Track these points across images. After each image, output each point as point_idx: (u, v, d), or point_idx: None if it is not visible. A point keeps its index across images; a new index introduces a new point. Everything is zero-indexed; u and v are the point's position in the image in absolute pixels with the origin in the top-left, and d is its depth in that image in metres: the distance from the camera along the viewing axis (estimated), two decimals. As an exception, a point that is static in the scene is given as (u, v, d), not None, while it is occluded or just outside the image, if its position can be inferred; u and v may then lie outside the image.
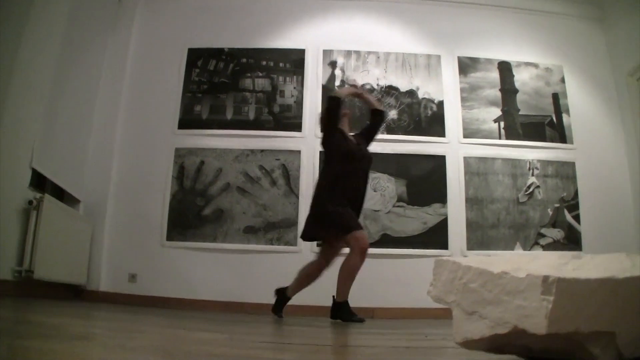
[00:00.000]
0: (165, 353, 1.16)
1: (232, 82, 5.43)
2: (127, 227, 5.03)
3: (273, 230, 4.95)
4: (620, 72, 5.63)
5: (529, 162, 5.30)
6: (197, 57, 5.48)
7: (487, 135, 5.36)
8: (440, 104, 5.43)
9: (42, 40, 3.84)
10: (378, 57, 5.54)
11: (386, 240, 4.98)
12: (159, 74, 5.46)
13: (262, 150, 5.18)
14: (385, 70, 5.51)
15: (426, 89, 5.44)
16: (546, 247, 5.16)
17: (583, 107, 5.56)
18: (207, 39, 5.56)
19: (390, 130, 5.29)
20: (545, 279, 0.79)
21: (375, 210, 5.05)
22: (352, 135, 3.83)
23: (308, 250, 4.85)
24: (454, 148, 5.31)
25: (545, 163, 5.32)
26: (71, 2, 4.28)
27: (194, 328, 2.17)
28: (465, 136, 5.32)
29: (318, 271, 3.64)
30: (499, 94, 5.52)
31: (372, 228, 4.98)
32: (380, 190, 5.11)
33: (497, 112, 5.46)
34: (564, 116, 5.48)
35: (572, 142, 5.41)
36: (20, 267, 3.50)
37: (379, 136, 5.13)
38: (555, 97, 5.52)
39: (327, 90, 5.32)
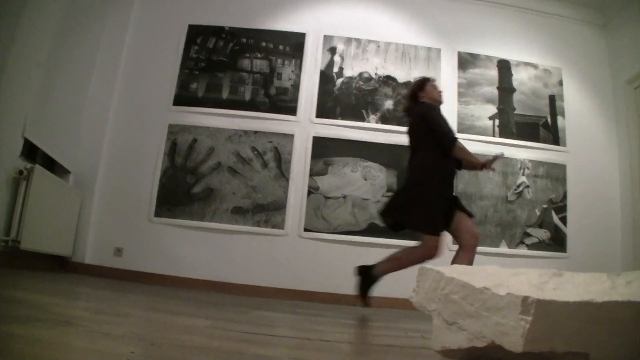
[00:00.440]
0: (148, 344, 1.18)
1: (230, 61, 5.54)
2: (115, 201, 5.17)
3: (261, 212, 5.10)
4: (619, 79, 5.76)
5: (521, 162, 5.47)
6: (196, 34, 5.61)
7: (481, 132, 5.51)
8: None
9: (43, 10, 3.90)
10: (378, 47, 5.66)
11: (373, 230, 5.15)
12: (157, 49, 5.56)
13: (255, 132, 5.31)
14: (384, 59, 5.65)
15: (424, 82, 5.48)
16: (531, 247, 5.32)
17: (579, 111, 5.70)
18: (208, 17, 5.66)
19: (384, 120, 5.48)
20: (525, 299, 0.82)
21: (365, 199, 5.22)
22: None
23: (295, 235, 5.07)
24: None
25: (537, 163, 5.47)
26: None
27: (178, 312, 2.22)
28: (459, 131, 5.47)
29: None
30: (496, 91, 5.70)
31: (360, 217, 5.17)
32: (371, 179, 5.28)
33: (492, 109, 5.61)
34: (559, 118, 5.63)
35: (565, 145, 5.57)
36: (7, 237, 3.59)
37: (373, 125, 5.24)
38: (552, 99, 5.66)
39: (325, 75, 5.51)
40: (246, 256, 5.01)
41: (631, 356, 0.91)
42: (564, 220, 5.43)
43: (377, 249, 5.07)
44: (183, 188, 5.14)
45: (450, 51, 5.74)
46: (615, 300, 0.89)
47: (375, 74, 5.58)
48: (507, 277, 1.01)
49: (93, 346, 1.08)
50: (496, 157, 3.39)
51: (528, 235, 5.35)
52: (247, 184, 5.14)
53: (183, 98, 5.38)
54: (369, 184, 5.24)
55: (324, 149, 5.28)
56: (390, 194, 5.19)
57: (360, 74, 5.56)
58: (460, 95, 5.60)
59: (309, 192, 5.14)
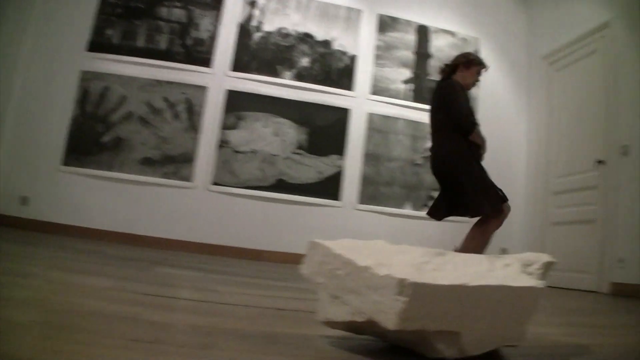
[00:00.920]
0: (44, 310, 1.22)
1: (147, 8, 5.65)
2: (22, 148, 5.19)
3: (170, 164, 5.31)
4: (535, 55, 6.14)
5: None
6: (113, -21, 5.69)
7: (395, 95, 5.79)
8: (354, 58, 5.89)
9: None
10: (299, 3, 5.92)
11: (281, 186, 5.46)
12: (72, -8, 5.54)
13: (169, 82, 5.46)
14: (304, 17, 5.89)
15: (342, 42, 5.83)
16: (436, 210, 5.55)
17: (492, 82, 6.05)
18: (125, -39, 5.68)
19: (300, 78, 5.74)
20: (401, 281, 0.88)
21: (274, 155, 5.51)
22: None
23: (203, 188, 5.30)
24: (360, 103, 5.82)
25: (447, 129, 5.66)
26: None
27: (81, 270, 2.26)
28: (373, 93, 5.78)
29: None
30: (412, 56, 6.01)
31: (268, 172, 5.47)
32: (282, 136, 5.57)
33: (407, 73, 5.93)
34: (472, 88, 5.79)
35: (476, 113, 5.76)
36: None
37: (287, 82, 5.40)
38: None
39: (243, 29, 5.67)
40: (154, 208, 5.22)
41: (500, 335, 1.03)
42: (468, 185, 5.73)
43: (285, 205, 5.42)
44: (92, 137, 5.26)
45: (371, 13, 6.01)
46: (488, 285, 0.98)
47: (294, 30, 5.79)
48: (390, 256, 1.08)
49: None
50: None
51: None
52: (157, 135, 5.33)
53: (97, 44, 5.45)
54: (280, 140, 5.51)
55: (236, 102, 5.49)
56: (299, 151, 5.41)
57: (279, 30, 5.75)
58: (377, 57, 5.89)
59: (219, 146, 5.37)
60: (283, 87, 5.60)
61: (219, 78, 5.51)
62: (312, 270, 1.18)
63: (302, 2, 5.82)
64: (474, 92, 5.97)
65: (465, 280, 0.95)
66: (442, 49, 5.98)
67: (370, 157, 5.64)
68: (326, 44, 5.79)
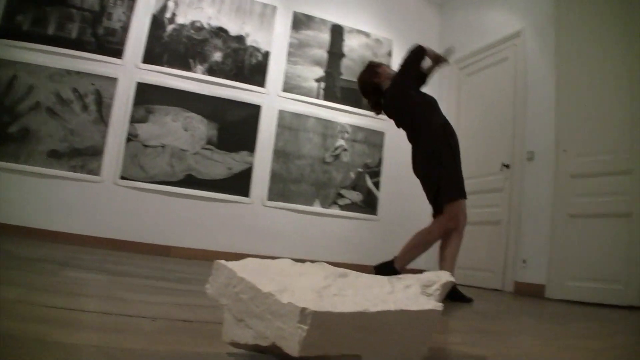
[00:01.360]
0: None
1: None
2: None
3: (77, 157, 5.77)
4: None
5: (341, 125, 6.56)
6: (21, -36, 6.04)
7: (306, 93, 6.55)
8: (267, 55, 6.57)
9: None
10: None
11: (190, 181, 6.08)
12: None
13: (78, 73, 5.89)
14: (218, 10, 6.48)
15: (255, 37, 6.51)
16: (344, 208, 6.50)
17: None
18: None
19: (211, 72, 6.35)
20: (303, 310, 0.96)
21: (183, 150, 6.11)
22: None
23: (110, 182, 5.81)
24: (271, 100, 6.52)
25: (357, 129, 6.61)
26: None
27: None
28: (284, 90, 6.53)
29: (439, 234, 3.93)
30: (325, 55, 6.78)
31: (177, 167, 6.06)
32: (191, 130, 6.16)
33: (320, 72, 6.69)
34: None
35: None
36: None
37: (199, 76, 6.12)
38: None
39: (156, 20, 6.19)
40: (61, 202, 5.62)
41: (401, 357, 1.14)
42: (377, 184, 6.64)
43: (193, 201, 6.04)
44: None
45: (286, 10, 6.71)
46: (388, 310, 1.08)
47: (208, 24, 6.40)
48: (293, 279, 1.20)
49: None
50: (448, 51, 4.15)
51: (341, 196, 6.50)
52: (65, 127, 5.77)
53: (5, 30, 5.76)
54: (189, 134, 6.12)
55: (147, 95, 6.02)
56: (209, 146, 6.09)
57: (193, 23, 6.35)
58: (290, 54, 6.62)
59: (128, 139, 5.89)
60: (194, 81, 6.17)
61: (130, 70, 5.98)
62: (217, 292, 1.27)
63: (217, -4, 6.46)
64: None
65: (366, 306, 1.07)
66: (356, 49, 6.77)
67: (280, 154, 6.36)
68: (240, 39, 6.43)
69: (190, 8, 6.36)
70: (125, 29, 6.09)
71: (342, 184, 6.56)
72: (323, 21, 6.79)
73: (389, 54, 6.98)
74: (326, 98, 6.67)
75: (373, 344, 1.08)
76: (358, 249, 6.73)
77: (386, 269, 3.88)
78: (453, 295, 3.69)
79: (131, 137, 5.90)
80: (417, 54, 3.90)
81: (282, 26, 6.65)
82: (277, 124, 6.43)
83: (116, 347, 1.24)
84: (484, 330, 2.36)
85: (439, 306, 1.23)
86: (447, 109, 6.86)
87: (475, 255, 6.18)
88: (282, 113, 6.47)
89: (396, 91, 3.97)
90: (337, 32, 6.82)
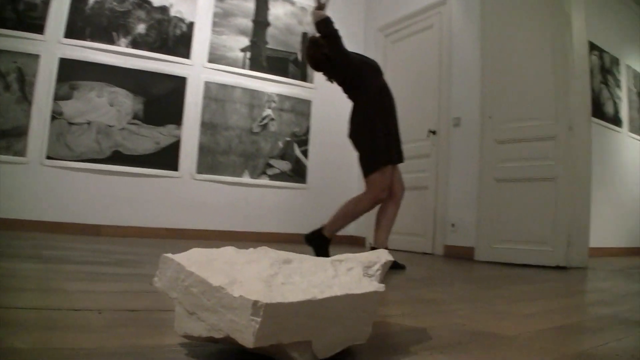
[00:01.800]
0: None
1: None
2: None
3: (2, 138, 6.15)
4: (372, 25, 7.87)
5: (268, 95, 7.30)
6: None
7: (232, 63, 7.23)
8: (191, 25, 7.16)
9: None
10: None
11: (118, 158, 6.66)
12: None
13: None
14: (140, -20, 6.94)
15: (179, 8, 7.09)
16: (273, 177, 7.30)
17: None
18: None
19: (135, 45, 6.87)
20: (255, 303, 1.08)
21: (110, 126, 6.66)
22: None
23: (37, 163, 6.29)
24: (196, 71, 7.13)
25: (284, 98, 7.37)
26: None
27: None
28: (210, 61, 7.17)
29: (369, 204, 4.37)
30: (251, 24, 7.43)
31: (104, 144, 6.61)
32: (117, 106, 6.70)
33: (245, 41, 7.36)
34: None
35: (312, 82, 7.54)
36: None
37: (123, 49, 6.62)
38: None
39: None
40: None
41: (349, 337, 1.31)
42: (305, 153, 7.47)
43: (122, 177, 6.63)
44: None
45: (209, -22, 7.26)
46: (334, 296, 1.23)
47: (131, -5, 6.92)
48: (240, 268, 1.31)
49: None
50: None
51: (270, 166, 7.31)
52: None
53: None
54: (115, 110, 6.66)
55: (70, 71, 6.47)
56: (136, 121, 6.73)
57: None
58: (214, 24, 7.22)
59: (53, 118, 6.35)
60: (118, 54, 6.66)
61: (52, 46, 6.36)
62: (166, 284, 1.36)
63: (138, -35, 6.88)
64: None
65: (314, 293, 1.20)
66: (281, 17, 7.41)
67: (208, 126, 7.01)
68: (163, 10, 6.94)
69: (111, -22, 6.79)
70: (46, 3, 6.38)
71: (271, 153, 7.34)
72: (248, -11, 7.41)
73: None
74: (252, 68, 7.34)
75: (322, 329, 1.22)
76: (289, 218, 7.54)
77: (316, 237, 4.33)
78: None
79: (56, 115, 6.33)
80: (329, 27, 4.46)
81: (206, -5, 7.19)
82: (204, 96, 7.05)
83: (66, 347, 1.28)
84: (421, 299, 2.59)
85: (381, 287, 1.38)
86: (374, 75, 7.70)
87: (405, 220, 6.97)
88: (208, 84, 7.09)
89: (339, 58, 4.47)
90: (261, 0, 7.46)
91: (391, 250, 4.38)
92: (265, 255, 1.47)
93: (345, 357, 1.36)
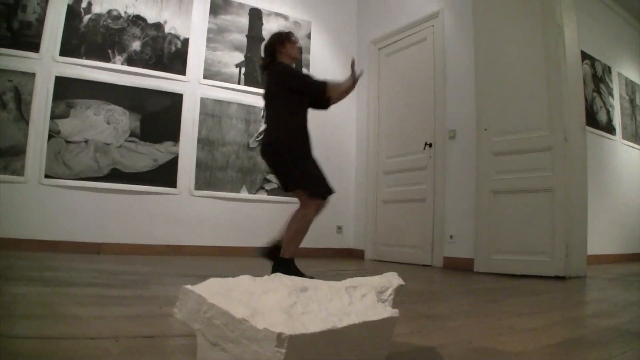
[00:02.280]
0: None
1: None
2: None
3: (0, 158, 6.17)
4: (365, 39, 7.97)
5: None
6: None
7: (227, 79, 7.30)
8: (186, 42, 7.23)
9: None
10: None
11: (116, 175, 6.69)
12: None
13: None
14: (135, -2, 7.00)
15: (174, 24, 7.16)
16: (271, 192, 7.36)
17: (324, 65, 7.85)
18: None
19: (131, 62, 6.93)
20: (279, 335, 1.12)
21: (107, 144, 6.70)
22: None
23: (35, 182, 6.32)
24: (192, 87, 7.21)
25: (279, 112, 7.34)
26: None
27: None
28: (205, 77, 7.25)
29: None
30: (245, 39, 7.50)
31: (102, 162, 6.65)
32: (114, 123, 6.75)
33: (240, 57, 7.44)
34: (304, 70, 7.54)
35: None
36: None
37: (118, 67, 6.65)
38: (299, 51, 7.49)
39: (72, 10, 6.68)
40: None
41: None
42: (302, 166, 7.51)
43: (121, 195, 6.67)
44: None
45: (204, -6, 7.34)
46: (352, 324, 1.29)
47: (125, 12, 6.96)
48: (259, 298, 1.36)
49: None
50: (353, 65, 4.55)
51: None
52: None
53: None
54: (112, 127, 6.71)
55: (66, 90, 6.50)
56: (133, 139, 6.78)
57: (109, 12, 6.89)
58: (209, 40, 7.30)
59: (50, 136, 6.39)
60: (114, 72, 6.71)
61: (48, 64, 6.41)
62: (187, 316, 1.41)
63: (132, -18, 6.98)
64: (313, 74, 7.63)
65: (333, 322, 1.26)
66: (274, 32, 7.52)
67: (205, 142, 7.07)
68: (158, 26, 7.03)
69: (105, -4, 6.87)
70: (40, 21, 6.45)
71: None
72: (241, 5, 7.48)
73: (308, 37, 7.81)
74: (247, 83, 7.43)
75: (341, 355, 1.29)
76: (287, 231, 7.56)
77: (272, 255, 4.48)
78: (296, 273, 4.27)
79: (53, 134, 6.37)
80: (317, 88, 4.53)
81: (200, 12, 7.29)
82: (200, 112, 7.12)
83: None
84: (426, 314, 2.67)
85: (395, 312, 1.47)
86: (368, 88, 7.77)
87: (404, 232, 7.12)
88: (204, 100, 7.16)
89: (289, 73, 4.53)
90: (255, 15, 7.53)
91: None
92: (281, 284, 1.51)
93: (363, 382, 1.39)
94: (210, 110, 7.19)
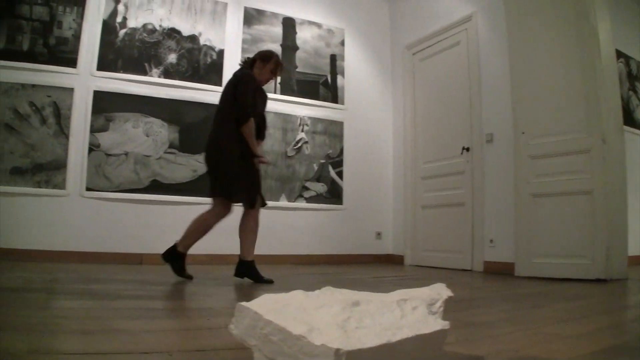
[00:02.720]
0: None
1: (7, 6, 6.45)
2: None
3: (41, 172, 6.29)
4: (398, 44, 8.00)
5: (300, 119, 7.39)
6: (-34, -22, 6.47)
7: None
8: (221, 53, 7.28)
9: None
10: None
11: (156, 187, 6.74)
12: None
13: (33, 85, 6.39)
14: (169, 11, 7.12)
15: (208, 36, 7.20)
16: (310, 200, 7.34)
17: (358, 72, 7.86)
18: (-22, -41, 6.54)
19: (167, 75, 6.99)
20: (337, 351, 1.15)
21: (146, 156, 6.74)
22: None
23: (77, 195, 6.40)
24: None
25: (316, 120, 7.44)
26: None
27: None
28: (242, 88, 7.13)
29: (217, 220, 4.83)
30: (279, 49, 7.54)
31: (142, 174, 6.69)
32: (153, 136, 6.79)
33: (275, 66, 7.32)
34: (339, 77, 7.68)
35: (343, 103, 7.65)
36: None
37: (155, 80, 6.71)
38: (333, 58, 7.65)
39: (107, 25, 6.78)
40: (28, 219, 6.11)
41: None
42: (340, 174, 7.53)
43: (161, 206, 6.70)
44: None
45: (237, 6, 7.42)
46: (406, 338, 1.32)
47: (160, 25, 7.04)
48: (314, 313, 1.41)
49: None
50: (266, 162, 4.99)
51: (307, 188, 7.36)
52: (25, 142, 6.25)
53: None
54: (151, 140, 6.76)
55: (105, 103, 6.59)
56: (172, 150, 6.81)
57: (144, 26, 6.97)
58: (244, 51, 7.32)
59: (90, 150, 6.47)
60: (151, 85, 6.78)
61: (85, 79, 6.50)
62: (244, 332, 1.47)
63: (166, -4, 7.04)
64: (348, 81, 7.68)
65: (387, 336, 1.30)
66: (309, 40, 7.55)
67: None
68: (193, 38, 7.09)
69: (140, 10, 6.95)
70: (77, 37, 6.57)
71: (306, 176, 7.41)
72: (274, 15, 7.53)
73: (342, 44, 7.86)
74: (283, 92, 7.46)
75: None
76: (326, 239, 7.59)
77: (171, 255, 4.81)
78: (254, 277, 4.67)
79: (93, 148, 6.45)
80: (241, 114, 4.65)
81: (234, 23, 7.36)
82: (238, 122, 7.15)
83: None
84: (470, 322, 2.61)
85: (446, 325, 1.51)
86: (403, 94, 7.77)
87: (444, 237, 7.08)
88: (241, 110, 7.19)
89: (244, 83, 4.66)
90: (289, 25, 7.58)
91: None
92: (333, 298, 1.57)
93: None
94: (247, 120, 7.17)
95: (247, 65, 4.88)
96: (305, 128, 7.46)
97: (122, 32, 6.85)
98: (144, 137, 6.73)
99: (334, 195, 7.58)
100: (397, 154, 8.11)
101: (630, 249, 5.67)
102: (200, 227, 4.82)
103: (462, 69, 7.11)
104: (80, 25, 6.64)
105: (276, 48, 7.52)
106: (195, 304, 3.19)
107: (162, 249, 6.25)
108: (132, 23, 6.92)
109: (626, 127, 6.90)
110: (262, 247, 6.92)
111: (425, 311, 1.59)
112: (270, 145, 7.33)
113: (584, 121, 5.48)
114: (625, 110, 7.09)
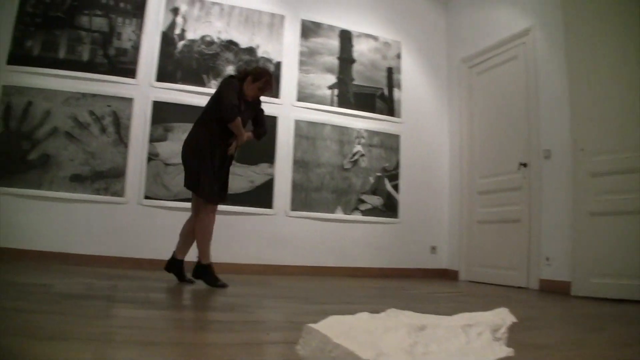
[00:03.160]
0: None
1: (68, 18, 6.56)
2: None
3: (100, 179, 6.36)
4: (455, 57, 7.98)
5: (357, 131, 7.36)
6: (31, -13, 6.55)
7: (320, 100, 7.32)
8: (278, 65, 7.27)
9: None
10: (222, 9, 7.17)
11: (212, 196, 6.64)
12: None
13: (93, 95, 6.46)
14: (227, 24, 7.16)
15: (266, 48, 7.22)
16: (365, 213, 7.26)
17: (414, 84, 7.80)
18: (42, -28, 6.62)
19: None
20: None
21: (204, 166, 6.66)
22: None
23: (135, 203, 6.43)
24: (286, 110, 7.23)
25: (372, 133, 7.40)
26: None
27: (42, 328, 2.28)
28: (299, 99, 7.28)
29: (213, 218, 4.98)
30: (336, 61, 7.56)
31: None
32: (211, 147, 6.71)
33: (332, 79, 7.46)
34: (395, 90, 7.63)
35: (399, 116, 7.63)
36: None
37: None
38: (390, 71, 7.63)
39: (166, 37, 6.85)
40: (88, 225, 6.19)
41: None
42: (396, 187, 7.45)
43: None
44: (18, 154, 5.97)
45: (294, 18, 7.44)
46: None
47: (218, 38, 7.07)
48: (380, 337, 1.43)
49: None
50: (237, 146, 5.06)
51: (362, 201, 7.29)
52: (85, 150, 6.32)
53: (18, 57, 6.26)
54: None
55: (163, 113, 6.64)
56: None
57: (203, 38, 7.01)
58: (301, 63, 7.34)
59: (149, 159, 6.51)
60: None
61: (144, 89, 6.56)
62: (311, 354, 1.49)
63: (224, 9, 7.08)
64: (404, 94, 7.65)
65: None
66: (365, 53, 7.53)
67: (300, 164, 7.06)
68: (250, 50, 7.12)
69: (199, 23, 7.01)
70: (136, 48, 6.68)
71: (362, 189, 7.35)
72: (331, 27, 7.55)
73: (398, 56, 7.82)
74: (340, 105, 7.43)
75: None
76: (381, 252, 7.48)
77: (200, 272, 4.87)
78: (209, 280, 4.75)
79: (152, 157, 6.50)
80: (225, 113, 4.73)
81: (291, 35, 7.37)
82: (294, 134, 7.14)
83: None
84: (529, 344, 2.54)
85: (511, 352, 1.56)
86: (460, 107, 7.69)
87: (499, 253, 6.90)
88: (298, 122, 7.18)
89: (226, 85, 4.83)
90: (345, 37, 7.58)
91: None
92: (399, 321, 1.58)
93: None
94: (305, 132, 7.20)
95: (240, 76, 4.99)
96: (362, 141, 7.41)
97: (180, 44, 6.91)
98: (201, 147, 6.67)
99: (390, 208, 7.49)
100: (453, 168, 7.98)
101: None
102: (205, 231, 4.90)
103: (520, 83, 6.99)
104: (139, 37, 6.73)
105: (333, 61, 7.54)
106: (253, 317, 3.20)
107: (218, 257, 6.18)
108: (190, 35, 6.97)
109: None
110: (318, 258, 6.93)
111: (490, 337, 1.61)
112: (327, 158, 7.30)
113: (647, 138, 5.26)
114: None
